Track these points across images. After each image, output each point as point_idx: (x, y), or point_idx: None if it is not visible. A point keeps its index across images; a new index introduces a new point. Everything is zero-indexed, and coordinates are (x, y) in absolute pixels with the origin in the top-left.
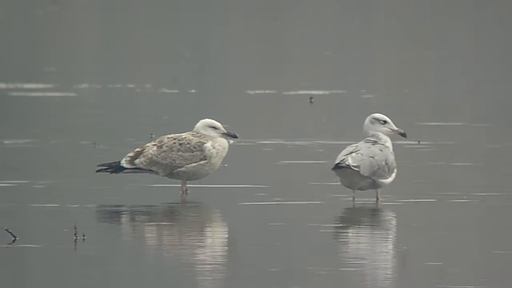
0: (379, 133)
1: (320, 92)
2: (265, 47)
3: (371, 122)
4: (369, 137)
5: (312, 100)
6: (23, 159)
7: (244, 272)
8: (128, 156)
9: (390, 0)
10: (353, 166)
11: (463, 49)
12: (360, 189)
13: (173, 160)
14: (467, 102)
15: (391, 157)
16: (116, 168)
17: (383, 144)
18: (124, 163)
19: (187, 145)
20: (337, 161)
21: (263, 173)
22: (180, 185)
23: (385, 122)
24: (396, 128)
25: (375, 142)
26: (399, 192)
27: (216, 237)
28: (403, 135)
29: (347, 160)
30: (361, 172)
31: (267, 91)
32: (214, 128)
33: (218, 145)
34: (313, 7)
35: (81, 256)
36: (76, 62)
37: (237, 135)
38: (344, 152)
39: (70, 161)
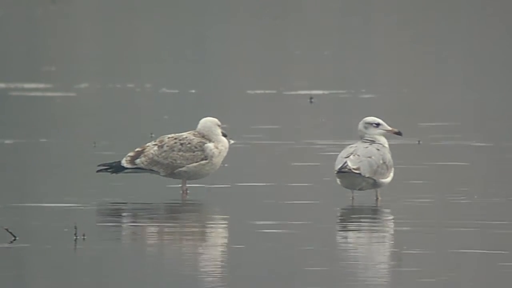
0: (376, 136)
1: (320, 92)
2: (265, 47)
3: (365, 127)
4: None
5: (312, 100)
6: (23, 159)
7: (243, 272)
8: (129, 156)
9: (390, 0)
10: (353, 169)
11: (463, 49)
12: (361, 189)
13: (174, 160)
14: (467, 101)
15: (388, 156)
16: (116, 168)
17: (381, 144)
18: (124, 163)
19: (188, 145)
20: (339, 165)
21: (263, 173)
22: (180, 185)
23: (378, 124)
24: (390, 128)
25: (372, 142)
26: (398, 192)
27: (216, 237)
28: (399, 133)
29: (347, 164)
30: (362, 174)
31: (267, 91)
32: (219, 126)
33: (221, 146)
34: (313, 7)
35: (81, 256)
36: (76, 62)
37: (227, 134)
38: (343, 153)
39: (70, 161)
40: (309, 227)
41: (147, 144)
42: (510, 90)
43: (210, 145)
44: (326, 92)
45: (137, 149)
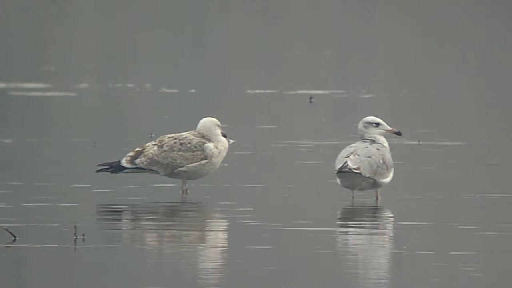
0: (376, 135)
1: (320, 92)
2: (265, 47)
3: (365, 127)
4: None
5: (312, 100)
6: (23, 159)
7: (243, 272)
8: (129, 156)
9: (390, 0)
10: (353, 169)
11: (464, 49)
12: (361, 189)
13: (174, 159)
14: (467, 101)
15: (388, 156)
16: (116, 167)
17: (381, 144)
18: (124, 162)
19: (188, 145)
20: (339, 165)
21: (263, 172)
22: (180, 185)
23: (378, 124)
24: (390, 128)
25: (372, 142)
26: (398, 192)
27: (216, 237)
28: (398, 133)
29: (347, 164)
30: (362, 174)
31: (267, 91)
32: (219, 126)
33: (221, 146)
34: (313, 7)
35: (81, 256)
36: (76, 62)
37: (227, 134)
38: (343, 153)
39: (70, 161)
40: (309, 227)
41: (147, 144)
42: (510, 90)
43: (210, 145)
44: (326, 92)
45: (137, 149)
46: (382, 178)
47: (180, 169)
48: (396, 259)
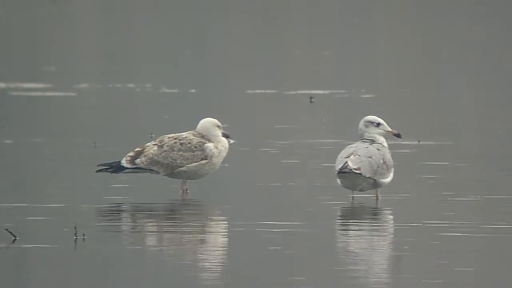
0: (376, 135)
1: (320, 92)
2: (265, 47)
3: (365, 126)
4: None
5: (312, 100)
6: (23, 159)
7: (243, 271)
8: (129, 156)
9: (390, 0)
10: (354, 169)
11: (464, 49)
12: (361, 190)
13: (174, 159)
14: (467, 101)
15: (388, 156)
16: (116, 168)
17: (380, 144)
18: (124, 162)
19: (188, 145)
20: (339, 165)
21: (263, 173)
22: (180, 185)
23: (378, 124)
24: (390, 129)
25: (372, 142)
26: (398, 192)
27: (216, 236)
28: (398, 135)
29: (348, 164)
30: (362, 174)
31: (267, 91)
32: (219, 127)
33: (221, 146)
34: (313, 7)
35: (81, 256)
36: (76, 62)
37: (229, 135)
38: (343, 153)
39: (70, 161)
40: (309, 227)
41: (147, 144)
42: (510, 90)
43: (210, 145)
44: (326, 92)
45: (137, 149)
46: (382, 178)
47: (180, 169)
48: (396, 259)
